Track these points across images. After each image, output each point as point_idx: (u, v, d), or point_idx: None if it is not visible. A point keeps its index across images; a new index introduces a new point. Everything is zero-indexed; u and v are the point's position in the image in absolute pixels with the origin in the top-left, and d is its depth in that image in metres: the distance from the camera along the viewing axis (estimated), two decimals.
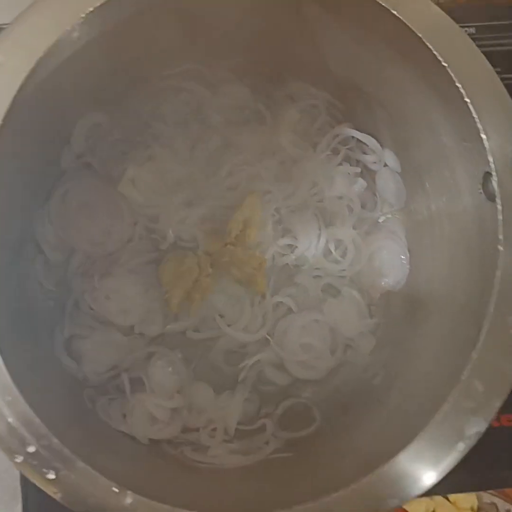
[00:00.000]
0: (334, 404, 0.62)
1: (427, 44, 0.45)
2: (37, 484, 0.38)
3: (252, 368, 0.63)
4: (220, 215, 0.63)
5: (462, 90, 0.44)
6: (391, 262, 0.64)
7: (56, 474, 0.38)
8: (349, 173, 0.64)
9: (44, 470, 0.38)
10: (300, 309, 0.63)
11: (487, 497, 0.82)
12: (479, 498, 0.82)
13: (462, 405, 0.40)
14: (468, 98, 0.44)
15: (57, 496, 0.37)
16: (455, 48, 0.46)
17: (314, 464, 0.52)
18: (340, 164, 0.64)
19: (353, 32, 0.52)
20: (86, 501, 0.37)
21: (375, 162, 0.64)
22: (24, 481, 0.62)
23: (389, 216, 0.65)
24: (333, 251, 0.64)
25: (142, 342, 0.62)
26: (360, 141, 0.64)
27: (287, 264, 0.64)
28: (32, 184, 0.58)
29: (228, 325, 0.62)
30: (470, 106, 0.44)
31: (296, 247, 0.64)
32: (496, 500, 0.84)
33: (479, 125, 0.45)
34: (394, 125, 0.59)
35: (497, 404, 0.40)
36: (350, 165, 0.64)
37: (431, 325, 0.57)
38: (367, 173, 0.65)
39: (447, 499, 0.75)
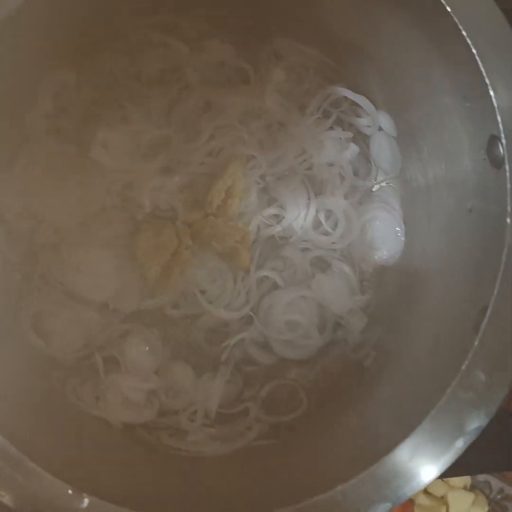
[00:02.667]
0: (322, 386, 0.58)
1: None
2: None
3: (234, 348, 0.59)
4: (200, 183, 0.58)
5: (468, 39, 0.38)
6: (385, 234, 0.59)
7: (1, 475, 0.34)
8: (340, 138, 0.59)
9: None
10: (287, 284, 0.59)
11: (480, 475, 0.81)
12: (472, 476, 0.81)
13: (462, 397, 0.36)
14: (475, 48, 0.39)
15: (5, 499, 0.33)
16: None
17: (299, 454, 0.49)
18: (331, 128, 0.59)
19: None
20: (36, 505, 0.33)
21: (369, 126, 0.59)
22: None
23: (384, 184, 0.60)
24: (323, 222, 0.60)
25: (116, 319, 0.58)
26: (353, 103, 0.58)
27: (273, 235, 0.59)
28: None
29: (209, 302, 0.58)
30: (477, 58, 0.39)
31: (283, 217, 0.59)
32: (490, 478, 0.82)
33: (487, 80, 0.40)
34: (389, 84, 0.54)
35: (501, 395, 0.36)
36: (342, 129, 0.59)
37: (427, 303, 0.53)
38: (360, 138, 0.60)
39: None
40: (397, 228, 0.59)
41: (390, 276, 0.59)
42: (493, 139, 0.40)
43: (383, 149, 0.59)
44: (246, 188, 0.58)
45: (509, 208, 0.38)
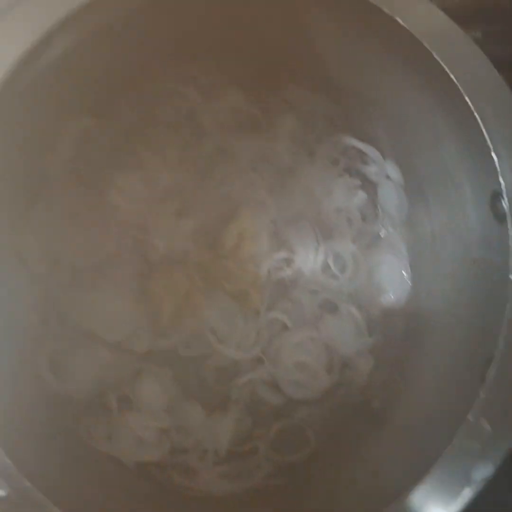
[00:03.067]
0: (330, 426, 0.59)
1: (433, 53, 0.42)
2: None
3: (244, 387, 0.60)
4: (212, 226, 0.60)
5: (471, 105, 0.41)
6: (391, 277, 0.61)
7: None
8: (348, 185, 0.61)
9: None
10: (296, 325, 0.60)
11: None
12: None
13: (468, 447, 0.37)
14: (478, 114, 0.41)
15: None
16: (461, 56, 0.43)
17: (308, 494, 0.50)
18: (340, 175, 0.61)
19: (354, 37, 0.49)
20: None
21: (376, 174, 0.61)
22: None
23: (390, 229, 0.62)
24: (331, 265, 0.61)
25: (129, 358, 0.59)
26: (361, 151, 0.60)
27: (283, 278, 0.61)
28: (14, 192, 0.55)
29: (220, 342, 0.59)
30: (480, 123, 0.41)
31: (293, 261, 0.61)
32: None
33: (489, 144, 0.42)
34: (396, 135, 0.56)
35: (506, 446, 0.37)
36: (350, 176, 0.61)
37: (433, 348, 0.54)
38: (368, 184, 0.62)
39: None
40: (403, 272, 0.60)
41: (397, 319, 0.60)
42: (496, 195, 0.42)
43: (390, 196, 0.61)
44: (257, 231, 0.60)
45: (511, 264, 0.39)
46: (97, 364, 0.58)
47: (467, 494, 0.36)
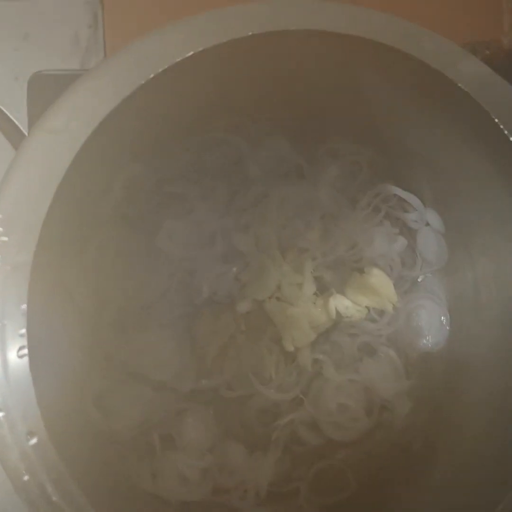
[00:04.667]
0: (370, 468, 0.60)
1: (493, 117, 0.44)
2: None
3: (285, 428, 0.61)
4: (258, 273, 0.62)
5: None
6: (430, 322, 0.62)
7: None
8: (389, 233, 0.63)
9: None
10: (335, 367, 0.62)
11: None
12: None
13: None
14: None
15: None
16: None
17: None
18: (381, 223, 0.63)
19: (404, 92, 0.52)
20: None
21: (416, 221, 0.63)
22: None
23: (429, 275, 0.64)
24: (370, 310, 0.63)
25: (173, 397, 0.60)
26: (402, 199, 0.63)
27: (324, 322, 0.63)
28: (67, 234, 0.57)
29: (262, 384, 0.61)
30: None
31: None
32: None
33: None
34: (438, 183, 0.58)
35: None
36: (391, 224, 0.63)
37: (473, 395, 0.56)
38: (407, 231, 0.64)
39: None
40: (442, 317, 0.62)
41: (436, 363, 0.62)
42: None
43: (429, 243, 0.62)
44: (299, 277, 0.62)
45: None
46: (141, 403, 0.59)
47: None
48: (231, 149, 0.62)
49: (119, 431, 0.58)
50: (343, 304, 0.61)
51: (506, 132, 0.45)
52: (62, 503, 0.40)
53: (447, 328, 0.61)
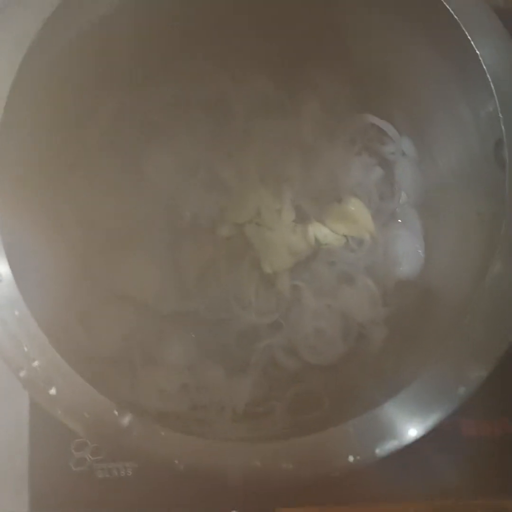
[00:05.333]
0: (343, 391, 0.62)
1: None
2: (39, 400, 0.39)
3: (263, 352, 0.63)
4: (238, 199, 0.64)
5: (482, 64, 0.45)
6: (406, 251, 0.64)
7: (57, 390, 0.38)
8: (366, 163, 0.65)
9: (46, 385, 0.39)
10: (314, 294, 0.63)
11: None
12: None
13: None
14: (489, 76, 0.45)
15: (58, 414, 0.38)
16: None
17: None
18: (359, 153, 0.65)
19: (382, 16, 0.54)
20: (84, 419, 0.38)
21: (393, 153, 0.65)
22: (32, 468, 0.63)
23: (406, 206, 0.65)
24: (349, 240, 0.65)
25: (155, 318, 0.62)
26: (379, 131, 0.64)
27: (303, 250, 0.64)
28: (55, 159, 0.60)
29: (242, 308, 0.63)
30: (488, 76, 0.45)
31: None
32: None
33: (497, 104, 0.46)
34: (412, 112, 0.60)
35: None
36: (369, 155, 0.65)
37: (443, 321, 0.57)
38: (385, 164, 0.66)
39: None
40: (417, 247, 0.63)
41: (410, 290, 0.63)
42: (500, 142, 0.45)
43: (406, 173, 0.64)
44: (280, 206, 0.64)
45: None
46: (124, 323, 0.62)
47: (461, 393, 0.39)
48: (215, 84, 0.65)
49: (102, 349, 0.60)
50: (321, 231, 0.63)
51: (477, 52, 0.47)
52: None
53: (422, 256, 0.63)
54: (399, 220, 0.65)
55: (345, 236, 0.64)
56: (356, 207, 0.63)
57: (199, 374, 0.62)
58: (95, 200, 0.63)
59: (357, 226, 0.63)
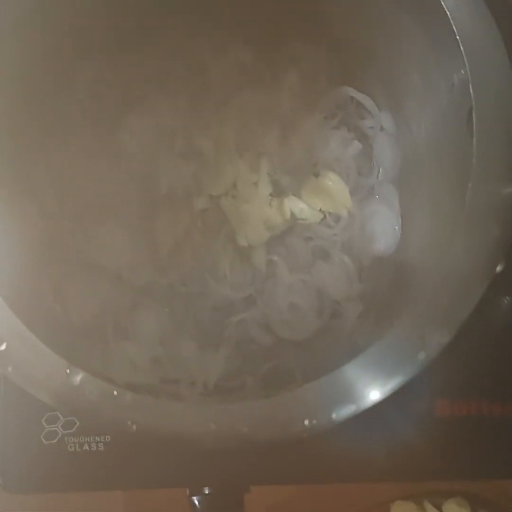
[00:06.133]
0: (316, 366, 0.61)
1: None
2: None
3: (237, 326, 0.62)
4: (215, 171, 0.63)
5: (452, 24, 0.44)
6: (383, 228, 0.63)
7: (7, 346, 0.38)
8: (345, 137, 0.64)
9: None
10: (289, 269, 0.63)
11: None
12: None
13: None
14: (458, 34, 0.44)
15: (8, 371, 0.38)
16: None
17: None
18: (337, 127, 0.64)
19: None
20: (35, 377, 0.37)
21: (371, 127, 0.64)
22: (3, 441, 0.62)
23: (384, 181, 0.65)
24: (326, 215, 0.64)
25: (128, 290, 0.62)
26: (358, 106, 0.64)
27: (279, 224, 0.64)
28: (29, 125, 0.59)
29: (216, 281, 0.62)
30: (459, 42, 0.44)
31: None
32: None
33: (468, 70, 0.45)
34: (389, 82, 0.59)
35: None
36: (347, 129, 0.64)
37: (420, 298, 0.56)
38: (363, 139, 0.65)
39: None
40: (394, 223, 0.63)
41: (386, 267, 0.62)
42: (471, 111, 0.44)
43: (384, 148, 0.63)
44: (256, 179, 0.63)
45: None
46: (97, 294, 0.61)
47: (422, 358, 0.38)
48: (193, 54, 0.64)
49: (74, 320, 0.60)
50: (297, 206, 0.62)
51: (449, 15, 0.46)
52: None
53: (399, 232, 0.62)
54: (377, 196, 0.64)
55: (322, 211, 0.63)
56: (333, 182, 0.62)
57: (171, 348, 0.61)
58: (70, 168, 0.62)
59: (334, 202, 0.63)
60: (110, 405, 0.38)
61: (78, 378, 0.38)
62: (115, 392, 0.38)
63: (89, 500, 0.73)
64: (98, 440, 0.61)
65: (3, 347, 0.38)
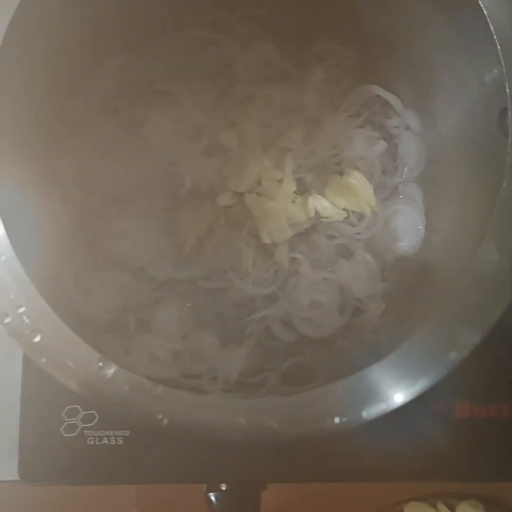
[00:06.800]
0: (338, 364, 0.61)
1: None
2: (23, 347, 0.38)
3: (259, 323, 0.62)
4: (239, 167, 0.63)
5: (489, 21, 0.44)
6: (407, 227, 0.63)
7: (41, 337, 0.38)
8: (370, 136, 0.64)
9: (31, 332, 0.38)
10: (312, 266, 0.63)
11: None
12: None
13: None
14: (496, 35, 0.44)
15: (42, 362, 0.38)
16: None
17: None
18: (362, 126, 0.64)
19: None
20: (68, 368, 0.37)
21: (397, 127, 0.64)
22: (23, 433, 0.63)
23: (408, 180, 0.64)
24: (350, 214, 0.64)
25: (151, 285, 0.62)
26: (383, 105, 0.63)
27: (303, 222, 0.64)
28: (55, 119, 0.59)
29: (239, 278, 0.62)
30: (496, 41, 0.44)
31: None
32: None
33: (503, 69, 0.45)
34: (418, 82, 0.59)
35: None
36: (373, 128, 0.64)
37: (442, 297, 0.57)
38: (389, 138, 0.65)
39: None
40: (418, 222, 0.63)
41: (409, 266, 0.62)
42: (504, 111, 0.44)
43: (410, 147, 0.63)
44: (281, 176, 0.63)
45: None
46: (119, 288, 0.61)
47: (452, 358, 0.38)
48: (220, 51, 0.64)
49: (96, 313, 0.60)
50: (321, 204, 0.62)
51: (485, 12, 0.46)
52: None
53: (423, 231, 0.62)
54: (401, 195, 0.64)
55: (345, 210, 0.63)
56: (357, 180, 0.62)
57: (193, 343, 0.61)
58: (95, 163, 0.62)
59: (358, 200, 0.62)
60: (142, 398, 0.38)
61: (110, 371, 0.38)
62: (147, 385, 0.38)
63: (101, 496, 0.74)
64: (118, 434, 0.61)
65: (38, 338, 0.38)
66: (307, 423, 0.38)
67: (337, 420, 0.38)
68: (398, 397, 0.39)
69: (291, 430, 0.38)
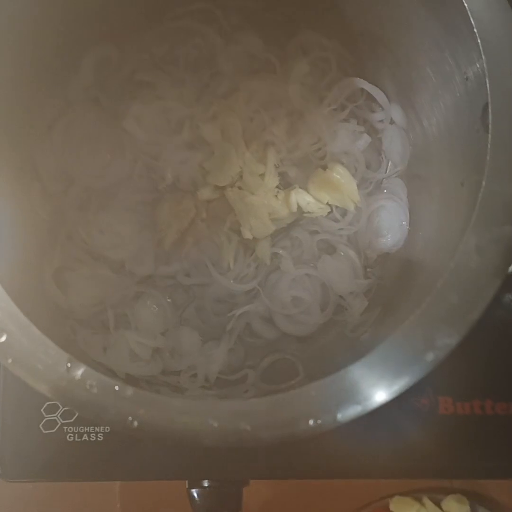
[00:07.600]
0: (319, 361, 0.61)
1: None
2: None
3: (240, 319, 0.62)
4: (221, 161, 0.62)
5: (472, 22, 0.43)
6: (390, 223, 0.62)
7: (7, 337, 0.37)
8: (354, 130, 0.63)
9: None
10: (294, 262, 0.62)
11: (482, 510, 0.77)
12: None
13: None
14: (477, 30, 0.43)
15: (8, 362, 0.37)
16: None
17: None
18: (346, 120, 0.63)
19: None
20: (35, 369, 0.37)
21: (381, 121, 0.63)
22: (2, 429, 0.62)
23: (392, 176, 0.64)
24: (333, 209, 0.63)
25: (131, 280, 0.61)
26: (368, 98, 0.63)
27: (285, 217, 0.63)
28: (35, 114, 0.58)
29: (220, 273, 0.62)
30: (477, 35, 0.43)
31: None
32: None
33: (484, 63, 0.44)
34: (401, 74, 0.58)
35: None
36: (357, 123, 0.63)
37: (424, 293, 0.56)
38: (373, 133, 0.64)
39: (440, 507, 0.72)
40: (402, 218, 0.62)
41: (392, 263, 0.62)
42: (486, 107, 0.43)
43: (394, 142, 0.62)
44: (264, 170, 0.62)
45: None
46: (99, 283, 0.60)
47: (430, 359, 0.38)
48: (202, 42, 0.63)
49: (75, 308, 0.59)
50: (304, 199, 0.61)
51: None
52: None
53: (407, 228, 0.61)
54: (385, 191, 0.63)
55: (328, 205, 0.62)
56: (341, 175, 0.61)
57: (173, 339, 0.61)
58: (76, 156, 0.61)
59: (341, 195, 0.61)
60: (111, 400, 0.37)
61: (79, 372, 0.37)
62: (116, 387, 0.37)
63: (86, 493, 0.73)
64: (98, 430, 0.60)
65: (4, 338, 0.37)
66: (281, 426, 0.38)
67: (311, 422, 0.38)
68: (375, 399, 0.38)
69: (264, 433, 0.37)
